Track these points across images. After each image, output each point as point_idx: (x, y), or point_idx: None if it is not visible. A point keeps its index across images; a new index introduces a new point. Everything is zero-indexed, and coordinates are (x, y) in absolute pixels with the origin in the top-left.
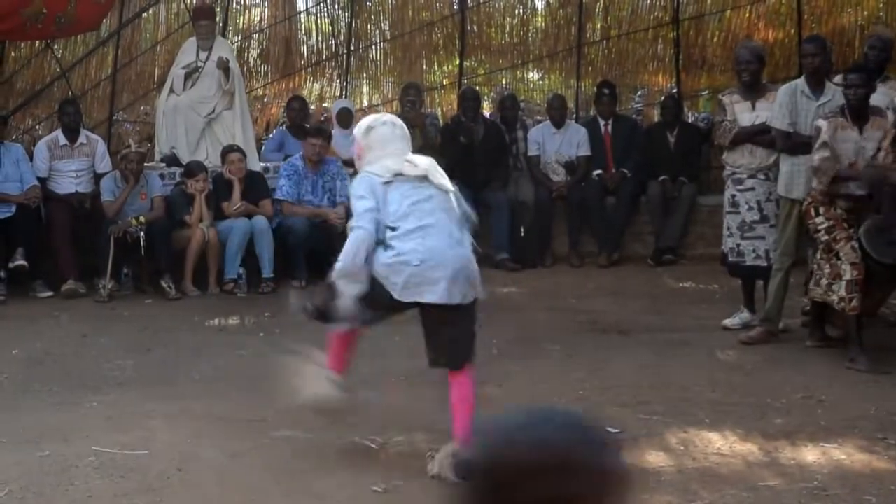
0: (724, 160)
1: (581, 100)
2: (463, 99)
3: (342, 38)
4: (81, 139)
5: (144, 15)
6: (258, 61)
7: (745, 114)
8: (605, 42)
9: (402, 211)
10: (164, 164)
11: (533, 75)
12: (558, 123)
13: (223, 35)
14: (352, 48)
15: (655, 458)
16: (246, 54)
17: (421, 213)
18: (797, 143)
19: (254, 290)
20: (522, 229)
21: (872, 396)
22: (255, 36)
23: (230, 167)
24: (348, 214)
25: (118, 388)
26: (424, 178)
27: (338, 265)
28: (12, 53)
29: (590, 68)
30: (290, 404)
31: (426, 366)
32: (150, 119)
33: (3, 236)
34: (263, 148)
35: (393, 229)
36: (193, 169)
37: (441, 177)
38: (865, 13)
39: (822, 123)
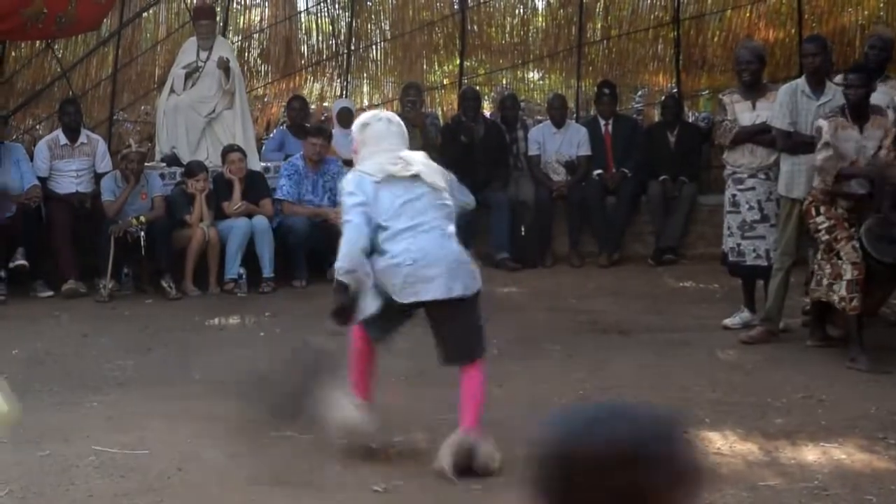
0: (724, 160)
1: (581, 99)
2: (463, 99)
3: (342, 37)
4: (82, 139)
5: (145, 15)
6: (258, 61)
7: (745, 113)
8: (605, 42)
9: (394, 210)
10: (164, 164)
11: (533, 75)
12: (559, 123)
13: (223, 35)
14: (352, 48)
15: None
16: (246, 54)
17: (412, 212)
18: (797, 143)
19: (254, 290)
20: (523, 229)
21: (873, 396)
22: (256, 35)
23: (230, 167)
24: None
25: (119, 388)
26: (416, 177)
27: (338, 264)
28: (13, 53)
29: (590, 68)
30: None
31: (424, 366)
32: (150, 119)
33: (4, 236)
34: (264, 148)
35: (384, 228)
36: (194, 169)
37: (433, 174)
38: (866, 13)
39: (823, 124)
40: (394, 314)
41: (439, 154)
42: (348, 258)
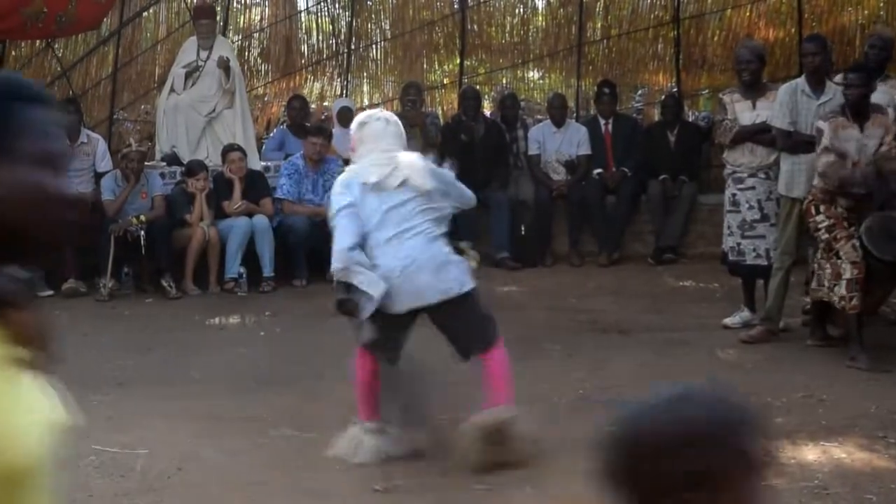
0: (724, 159)
1: (581, 99)
2: (463, 98)
3: (343, 37)
4: (82, 138)
5: (145, 14)
6: (259, 60)
7: (745, 113)
8: (605, 41)
9: (379, 217)
10: (164, 163)
11: (533, 74)
12: (559, 122)
13: (224, 34)
14: (352, 47)
15: None
16: (246, 53)
17: (398, 218)
18: (797, 142)
19: (254, 289)
20: (523, 228)
21: (873, 395)
22: (256, 35)
23: (231, 166)
24: None
25: (118, 388)
26: (403, 183)
27: (332, 264)
28: (13, 52)
29: (590, 67)
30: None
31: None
32: (150, 118)
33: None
34: (264, 147)
35: (371, 238)
36: (194, 168)
37: (421, 178)
38: (866, 12)
39: (823, 125)
40: (396, 329)
41: (439, 153)
42: (339, 257)
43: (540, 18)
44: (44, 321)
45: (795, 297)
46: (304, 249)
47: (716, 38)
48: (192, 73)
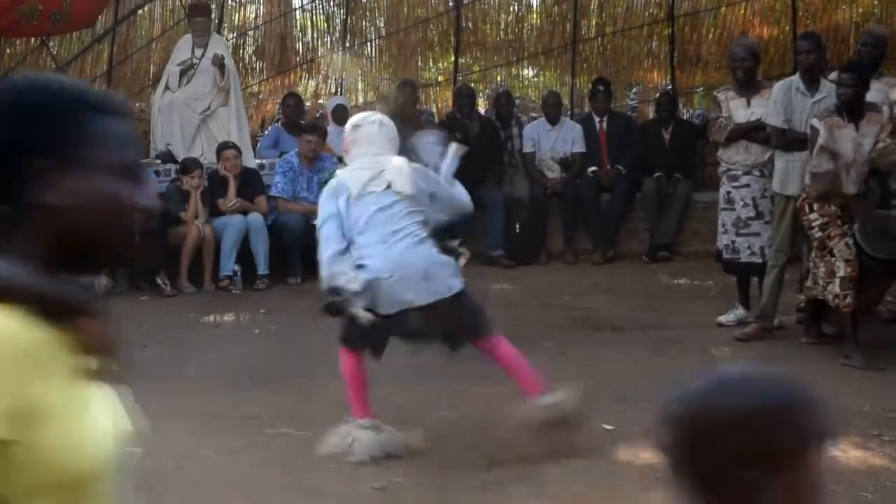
0: (719, 157)
1: (576, 96)
2: (458, 96)
3: (337, 34)
4: None
5: (140, 12)
6: (253, 58)
7: (740, 110)
8: (599, 39)
9: (366, 219)
10: (159, 161)
11: (528, 72)
12: (553, 120)
13: (218, 32)
14: (347, 45)
15: (651, 456)
16: (241, 51)
17: (385, 220)
18: (792, 140)
19: (249, 287)
20: (517, 226)
21: (867, 393)
22: (251, 32)
23: (225, 164)
24: None
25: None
26: (388, 186)
27: (321, 273)
28: (7, 50)
29: (585, 65)
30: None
31: (422, 365)
32: (145, 116)
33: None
34: (259, 145)
35: (359, 240)
36: (189, 165)
37: (405, 182)
38: (860, 10)
39: (818, 125)
40: (384, 327)
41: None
42: (325, 267)
43: (534, 16)
44: (112, 330)
45: (790, 295)
46: (299, 247)
47: (710, 36)
48: (186, 70)
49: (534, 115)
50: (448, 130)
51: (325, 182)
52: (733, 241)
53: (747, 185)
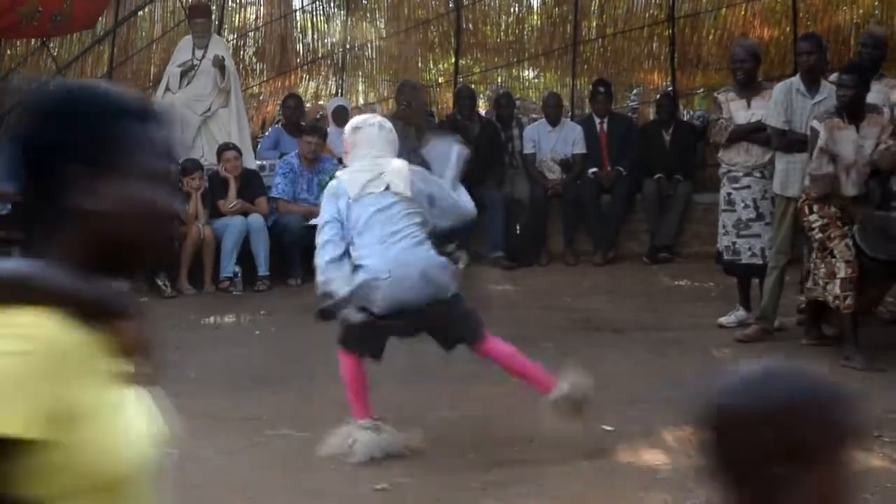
0: (719, 158)
1: (576, 98)
2: (458, 97)
3: (338, 35)
4: None
5: (140, 13)
6: (254, 59)
7: (740, 112)
8: (600, 40)
9: (366, 219)
10: None
11: (528, 73)
12: (554, 121)
13: (219, 33)
14: (347, 46)
15: (651, 456)
16: (241, 52)
17: (384, 220)
18: (792, 141)
19: (249, 288)
20: (518, 227)
21: (868, 394)
22: (251, 34)
23: (226, 165)
24: None
25: None
26: (387, 188)
27: (317, 277)
28: (8, 51)
29: (585, 66)
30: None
31: (422, 364)
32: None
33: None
34: (259, 146)
35: (359, 240)
36: (189, 167)
37: (404, 185)
38: (861, 11)
39: (818, 126)
40: (381, 328)
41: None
42: (321, 271)
43: (535, 17)
44: (147, 332)
45: (790, 297)
46: (299, 248)
47: (711, 37)
48: (187, 72)
49: (534, 116)
50: (448, 132)
51: (326, 183)
52: (734, 243)
53: (748, 187)
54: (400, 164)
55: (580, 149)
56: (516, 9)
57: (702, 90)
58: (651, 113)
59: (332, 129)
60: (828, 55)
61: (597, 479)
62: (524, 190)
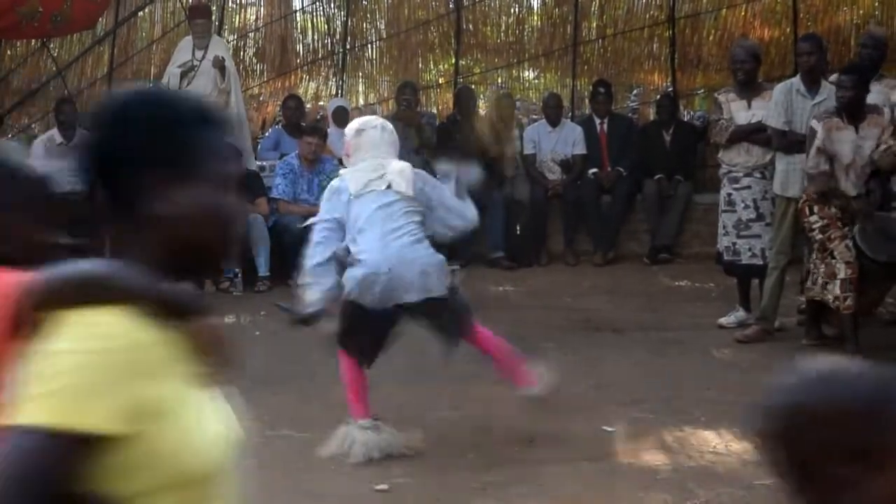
0: (720, 159)
1: (577, 98)
2: (458, 98)
3: (338, 36)
4: (78, 138)
5: (140, 13)
6: (254, 60)
7: (741, 112)
8: (600, 41)
9: (368, 215)
10: None
11: (529, 74)
12: (554, 122)
13: (219, 33)
14: (347, 47)
15: (651, 457)
16: (242, 53)
17: (386, 217)
18: (793, 142)
19: (249, 289)
20: (518, 228)
21: None
22: (251, 34)
23: None
24: None
25: None
26: (389, 186)
27: (302, 279)
28: (8, 52)
29: (585, 67)
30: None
31: (421, 364)
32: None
33: None
34: (259, 147)
35: (360, 236)
36: None
37: (405, 184)
38: (861, 12)
39: (817, 125)
40: (377, 327)
41: (435, 154)
42: (308, 272)
43: (535, 18)
44: (220, 332)
45: (791, 297)
46: (300, 249)
47: (711, 38)
48: (187, 72)
49: (534, 116)
50: (448, 132)
51: (326, 184)
52: (734, 243)
53: (748, 187)
54: (402, 164)
55: (580, 149)
56: (516, 9)
57: (702, 91)
58: (651, 113)
59: (332, 129)
60: (828, 56)
61: (597, 479)
62: (524, 190)
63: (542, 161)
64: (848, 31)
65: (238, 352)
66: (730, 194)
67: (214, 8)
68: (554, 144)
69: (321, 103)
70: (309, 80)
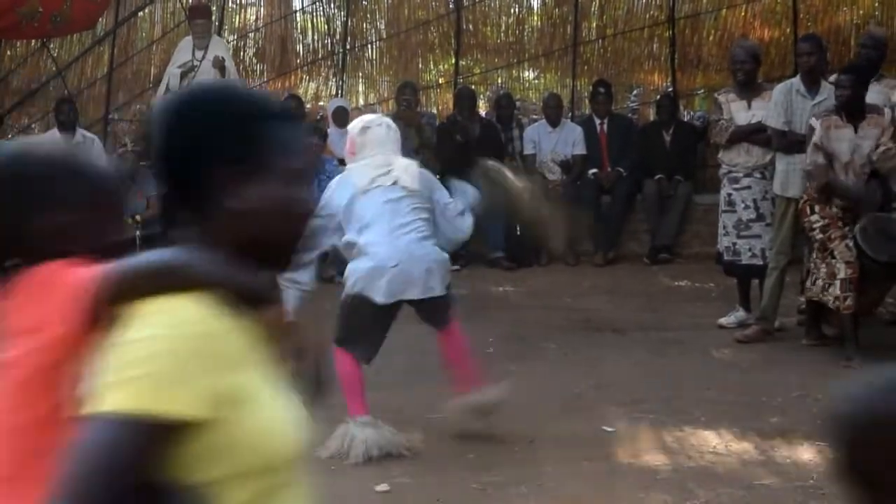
0: (720, 159)
1: (577, 99)
2: (458, 98)
3: (338, 36)
4: (77, 138)
5: (140, 14)
6: (254, 60)
7: (741, 112)
8: (600, 41)
9: (376, 209)
10: None
11: (529, 74)
12: (554, 122)
13: (219, 34)
14: (347, 47)
15: (651, 457)
16: (242, 53)
17: (394, 212)
18: (792, 142)
19: None
20: (518, 228)
21: None
22: (251, 35)
23: None
24: None
25: None
26: (395, 182)
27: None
28: (8, 52)
29: (585, 67)
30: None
31: (421, 364)
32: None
33: None
34: None
35: (368, 230)
36: None
37: (412, 180)
38: (861, 12)
39: (815, 123)
40: (377, 323)
41: (435, 154)
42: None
43: (535, 18)
44: (292, 321)
45: (791, 297)
46: None
47: (711, 38)
48: (187, 72)
49: (534, 117)
50: (449, 133)
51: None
52: (734, 243)
53: (748, 187)
54: (408, 161)
55: (580, 149)
56: (516, 10)
57: (702, 91)
58: (651, 114)
59: (332, 129)
60: (828, 56)
61: (597, 479)
62: None
63: (542, 161)
64: (848, 31)
65: (307, 338)
66: (730, 194)
67: (214, 8)
68: (554, 145)
69: (321, 103)
70: (309, 81)
